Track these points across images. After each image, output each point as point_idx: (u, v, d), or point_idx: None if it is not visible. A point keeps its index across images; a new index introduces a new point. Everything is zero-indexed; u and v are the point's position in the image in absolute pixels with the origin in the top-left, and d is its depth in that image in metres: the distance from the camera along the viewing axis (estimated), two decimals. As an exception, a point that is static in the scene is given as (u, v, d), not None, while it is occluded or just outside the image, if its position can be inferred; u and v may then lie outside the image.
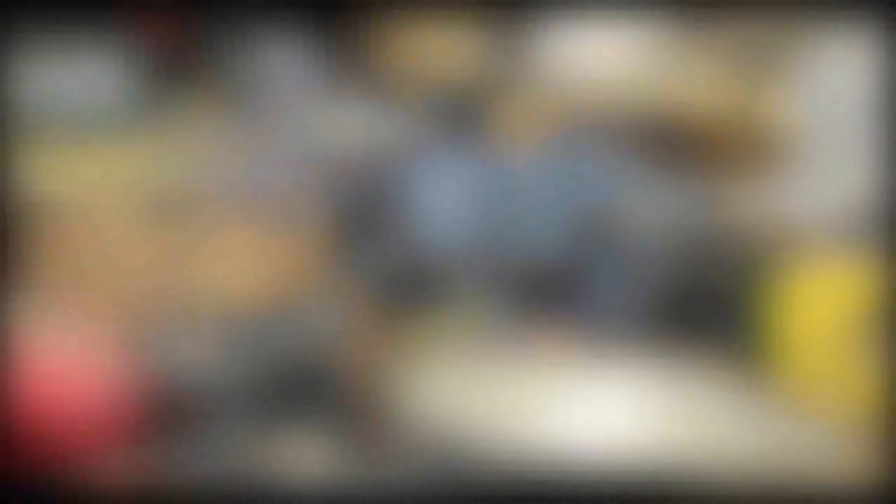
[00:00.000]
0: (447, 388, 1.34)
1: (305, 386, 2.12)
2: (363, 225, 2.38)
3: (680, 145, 4.99)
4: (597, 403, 1.18)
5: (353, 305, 2.47)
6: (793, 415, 1.19)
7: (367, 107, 5.06)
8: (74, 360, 1.66)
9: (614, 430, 1.12)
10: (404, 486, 1.51)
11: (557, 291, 1.92)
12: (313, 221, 3.14)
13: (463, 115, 5.35)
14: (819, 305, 3.27)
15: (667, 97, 4.58)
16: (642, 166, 4.81)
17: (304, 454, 2.96)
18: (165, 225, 2.78)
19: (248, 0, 4.85)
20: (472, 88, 5.39)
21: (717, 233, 4.76)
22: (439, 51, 5.43)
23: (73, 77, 2.78)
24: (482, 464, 1.58)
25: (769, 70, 2.62)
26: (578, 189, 1.99)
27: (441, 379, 1.42)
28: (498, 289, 2.05)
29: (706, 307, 1.85)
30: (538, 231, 1.96)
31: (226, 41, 4.98)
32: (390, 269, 2.26)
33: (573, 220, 1.92)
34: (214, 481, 2.06)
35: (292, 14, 5.19)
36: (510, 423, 1.16)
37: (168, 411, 2.09)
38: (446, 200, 2.23)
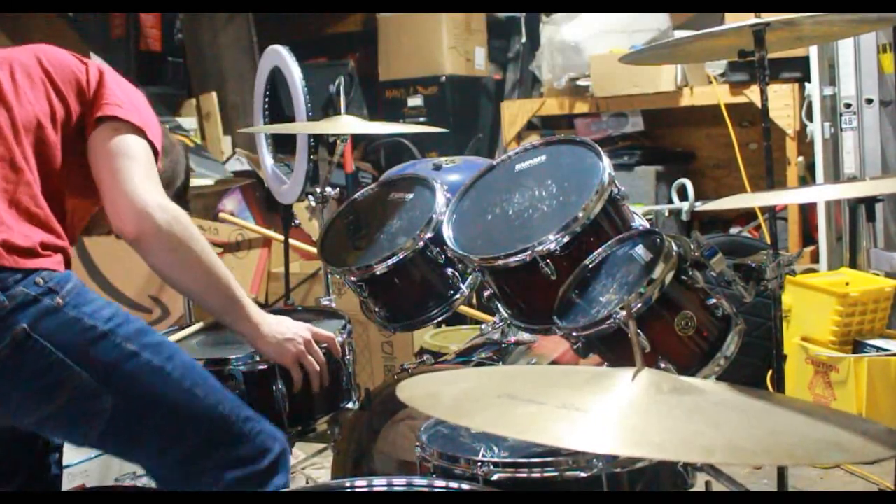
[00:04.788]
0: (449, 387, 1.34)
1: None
2: (368, 224, 2.37)
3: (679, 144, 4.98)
4: (598, 404, 1.17)
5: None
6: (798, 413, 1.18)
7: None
8: None
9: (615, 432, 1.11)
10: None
11: (559, 290, 1.90)
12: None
13: (463, 115, 5.31)
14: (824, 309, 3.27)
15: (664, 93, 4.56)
16: (640, 164, 4.79)
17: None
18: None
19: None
20: (473, 88, 5.35)
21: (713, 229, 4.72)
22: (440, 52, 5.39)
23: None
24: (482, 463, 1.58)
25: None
26: (578, 185, 1.98)
27: (442, 377, 1.42)
28: (498, 287, 2.05)
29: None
30: (539, 229, 1.95)
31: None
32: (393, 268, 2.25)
33: (572, 218, 1.91)
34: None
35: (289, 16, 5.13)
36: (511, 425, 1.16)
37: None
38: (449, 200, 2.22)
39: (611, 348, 1.79)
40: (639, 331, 1.71)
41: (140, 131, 1.79)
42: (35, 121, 1.76)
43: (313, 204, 2.81)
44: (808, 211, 4.32)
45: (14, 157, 1.71)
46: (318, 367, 1.91)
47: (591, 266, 1.90)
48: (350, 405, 2.09)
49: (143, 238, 1.70)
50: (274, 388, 1.91)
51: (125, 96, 1.84)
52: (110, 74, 1.88)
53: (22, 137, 1.74)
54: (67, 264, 1.74)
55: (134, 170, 1.73)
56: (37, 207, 1.72)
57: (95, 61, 1.92)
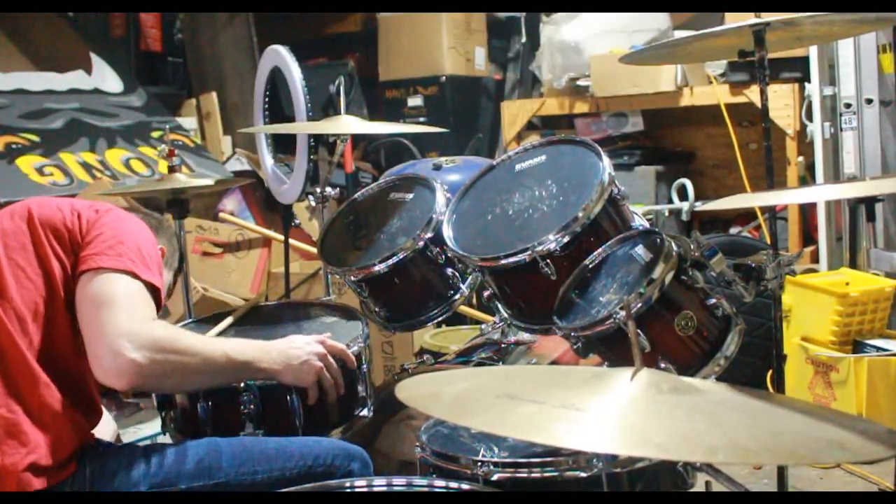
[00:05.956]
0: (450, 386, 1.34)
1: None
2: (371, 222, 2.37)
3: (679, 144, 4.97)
4: (597, 404, 1.17)
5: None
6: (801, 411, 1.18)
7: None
8: None
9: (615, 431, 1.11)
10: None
11: (559, 290, 1.91)
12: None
13: (464, 115, 5.30)
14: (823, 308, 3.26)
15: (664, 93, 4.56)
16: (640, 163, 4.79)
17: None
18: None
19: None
20: (473, 87, 5.34)
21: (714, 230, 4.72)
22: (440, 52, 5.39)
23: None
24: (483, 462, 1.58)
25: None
26: (578, 185, 1.98)
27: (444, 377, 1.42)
28: (499, 287, 2.05)
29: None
30: (539, 229, 1.95)
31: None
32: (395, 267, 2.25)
33: (572, 218, 1.91)
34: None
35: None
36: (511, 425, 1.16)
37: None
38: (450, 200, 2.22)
39: (611, 348, 1.79)
40: (638, 331, 1.72)
41: (128, 272, 1.72)
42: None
43: (313, 204, 2.80)
44: (808, 211, 4.32)
45: None
46: (333, 382, 1.90)
47: (591, 266, 1.90)
48: (364, 412, 2.04)
49: (135, 383, 1.67)
50: (289, 398, 1.89)
51: (116, 239, 1.75)
52: (107, 217, 1.81)
53: None
54: None
55: (109, 318, 1.66)
56: None
57: (102, 205, 1.83)
